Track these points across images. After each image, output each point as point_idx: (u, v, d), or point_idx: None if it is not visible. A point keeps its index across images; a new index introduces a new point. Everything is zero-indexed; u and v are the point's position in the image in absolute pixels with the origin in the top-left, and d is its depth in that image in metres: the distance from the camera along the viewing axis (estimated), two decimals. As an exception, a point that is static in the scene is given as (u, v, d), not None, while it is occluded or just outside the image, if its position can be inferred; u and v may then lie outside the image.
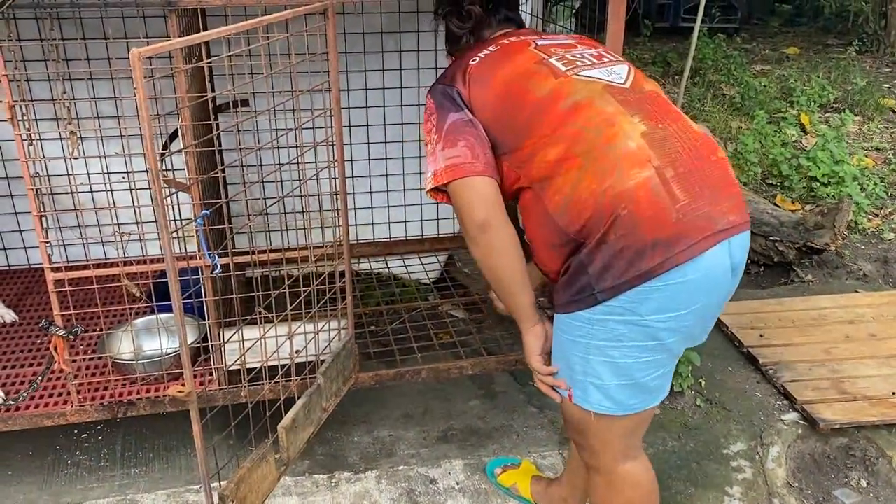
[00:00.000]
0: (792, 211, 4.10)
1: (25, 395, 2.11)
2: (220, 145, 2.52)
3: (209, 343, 2.09)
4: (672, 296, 1.47)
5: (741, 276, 1.59)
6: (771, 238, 3.64)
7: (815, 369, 2.76)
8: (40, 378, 2.15)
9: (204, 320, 2.16)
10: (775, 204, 4.17)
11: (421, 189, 2.99)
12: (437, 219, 3.09)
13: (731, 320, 3.09)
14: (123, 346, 2.22)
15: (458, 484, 2.31)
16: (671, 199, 1.45)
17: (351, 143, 2.79)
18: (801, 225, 3.67)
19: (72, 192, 2.10)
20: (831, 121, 5.41)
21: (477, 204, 1.57)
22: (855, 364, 2.79)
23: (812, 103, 5.88)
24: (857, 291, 3.41)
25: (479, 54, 1.72)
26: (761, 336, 2.98)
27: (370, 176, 3.00)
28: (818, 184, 4.40)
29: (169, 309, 2.35)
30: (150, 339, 2.36)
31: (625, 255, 1.45)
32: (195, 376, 2.11)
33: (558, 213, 1.52)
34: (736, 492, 2.31)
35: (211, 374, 2.17)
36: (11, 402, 2.07)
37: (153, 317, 2.36)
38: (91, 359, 2.25)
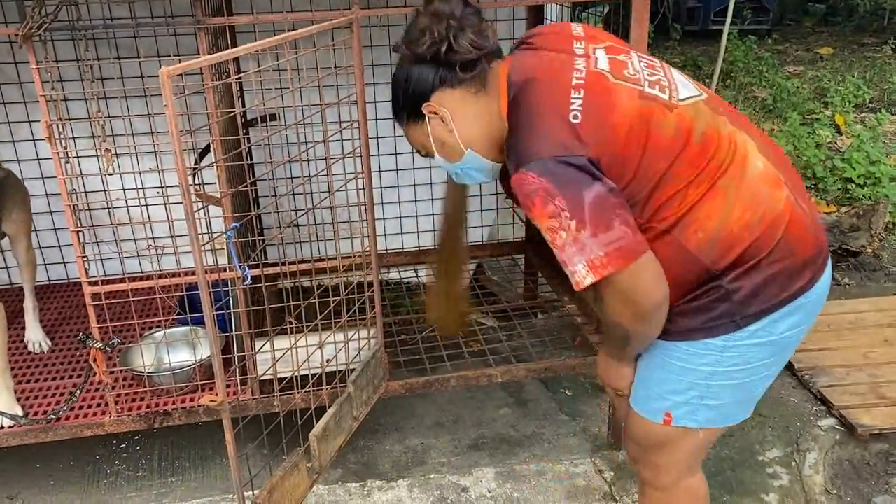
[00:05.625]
0: (827, 213, 4.04)
1: (66, 407, 2.16)
2: (250, 159, 2.57)
3: (233, 354, 2.12)
4: (810, 309, 1.48)
5: None
6: (805, 241, 3.58)
7: (853, 374, 2.71)
8: (79, 390, 2.20)
9: (226, 332, 2.19)
10: (810, 206, 4.11)
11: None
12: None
13: (765, 325, 3.04)
14: (142, 358, 2.25)
15: (489, 492, 2.31)
16: (804, 214, 1.46)
17: (379, 154, 2.82)
18: (836, 227, 3.61)
19: (108, 208, 2.16)
20: (867, 121, 5.32)
21: (654, 284, 1.41)
22: (894, 368, 2.73)
23: (847, 104, 5.79)
24: (895, 294, 3.34)
25: (571, 108, 1.40)
26: (796, 341, 2.94)
27: (398, 186, 3.02)
28: (854, 185, 4.33)
29: (194, 321, 2.39)
30: (172, 352, 2.37)
31: (778, 279, 1.43)
32: (227, 386, 2.14)
33: (703, 251, 1.42)
34: (773, 499, 2.28)
35: (241, 384, 2.21)
36: (52, 416, 2.13)
37: (171, 330, 2.39)
38: (129, 370, 2.30)
